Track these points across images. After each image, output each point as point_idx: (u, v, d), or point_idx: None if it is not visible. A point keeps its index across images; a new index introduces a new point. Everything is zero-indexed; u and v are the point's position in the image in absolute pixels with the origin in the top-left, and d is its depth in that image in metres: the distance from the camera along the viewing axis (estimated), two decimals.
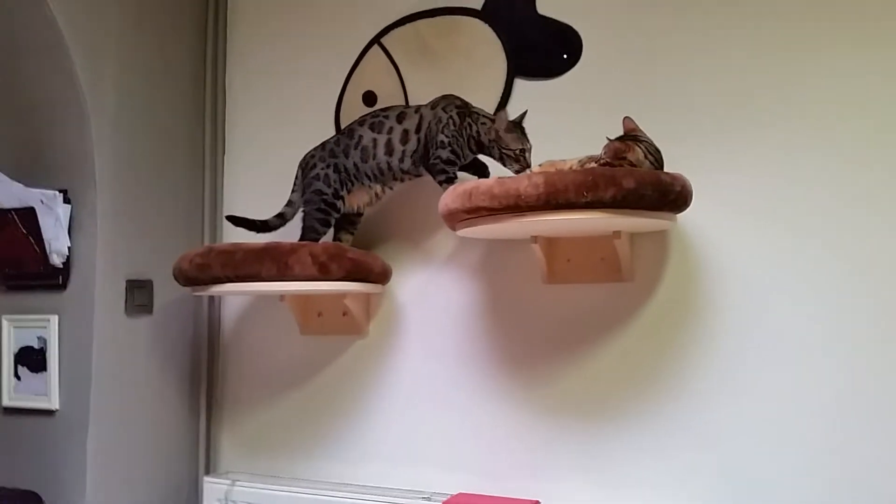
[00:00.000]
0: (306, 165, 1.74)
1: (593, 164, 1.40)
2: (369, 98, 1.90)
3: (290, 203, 1.77)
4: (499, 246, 1.72)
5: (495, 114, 1.60)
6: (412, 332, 1.81)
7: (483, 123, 1.59)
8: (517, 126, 1.56)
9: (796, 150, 1.48)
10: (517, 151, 1.54)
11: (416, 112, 1.66)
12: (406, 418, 1.79)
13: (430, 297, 1.80)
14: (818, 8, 1.49)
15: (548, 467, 1.64)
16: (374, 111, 1.72)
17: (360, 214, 1.78)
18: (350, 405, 1.86)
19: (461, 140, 1.59)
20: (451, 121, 1.60)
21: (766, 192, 1.50)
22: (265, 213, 1.78)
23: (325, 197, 1.69)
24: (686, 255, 1.56)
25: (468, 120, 1.59)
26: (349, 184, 1.70)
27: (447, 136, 1.59)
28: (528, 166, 1.54)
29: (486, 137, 1.57)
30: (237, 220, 1.75)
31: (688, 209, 1.42)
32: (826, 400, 1.43)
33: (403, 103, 1.83)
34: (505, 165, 1.57)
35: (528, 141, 1.56)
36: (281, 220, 1.76)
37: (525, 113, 1.58)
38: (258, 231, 1.75)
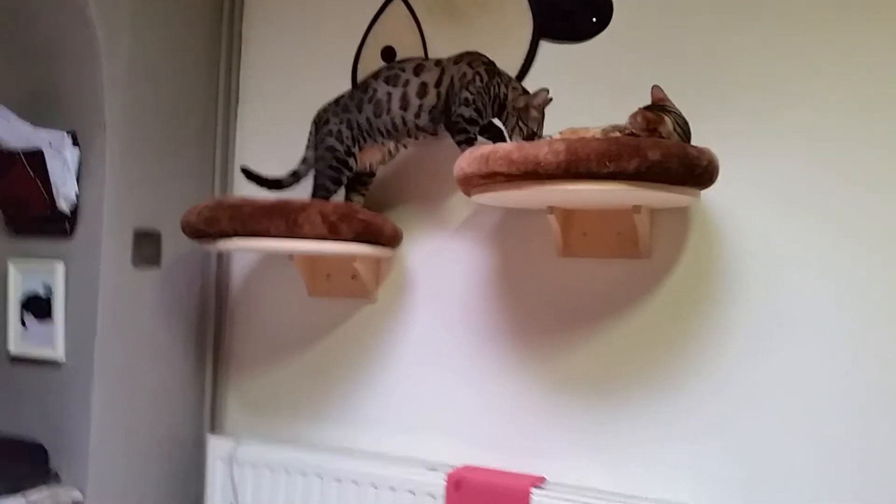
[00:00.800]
0: (319, 121, 1.69)
1: (617, 134, 1.34)
2: (389, 54, 1.84)
3: (304, 160, 1.72)
4: (514, 215, 1.68)
5: (517, 81, 1.55)
6: (422, 299, 1.78)
7: (514, 88, 1.53)
8: (543, 108, 1.51)
9: (828, 134, 1.43)
10: (530, 131, 1.48)
11: (436, 65, 1.59)
12: (413, 387, 1.77)
13: (442, 263, 1.76)
14: None
15: (554, 443, 1.61)
16: (391, 64, 1.66)
17: (372, 175, 1.73)
18: (356, 370, 1.84)
19: (486, 98, 1.53)
20: (477, 76, 1.53)
21: (794, 174, 1.45)
22: (278, 168, 1.74)
23: (337, 154, 1.64)
24: (706, 234, 1.51)
25: (497, 79, 1.53)
26: (361, 140, 1.65)
27: (472, 93, 1.53)
28: None
29: (511, 103, 1.51)
30: (250, 175, 1.71)
31: (712, 187, 1.37)
32: (843, 386, 1.39)
33: None
34: (510, 137, 1.52)
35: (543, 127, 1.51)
36: (295, 178, 1.72)
37: (551, 99, 1.52)
38: (269, 188, 1.71)
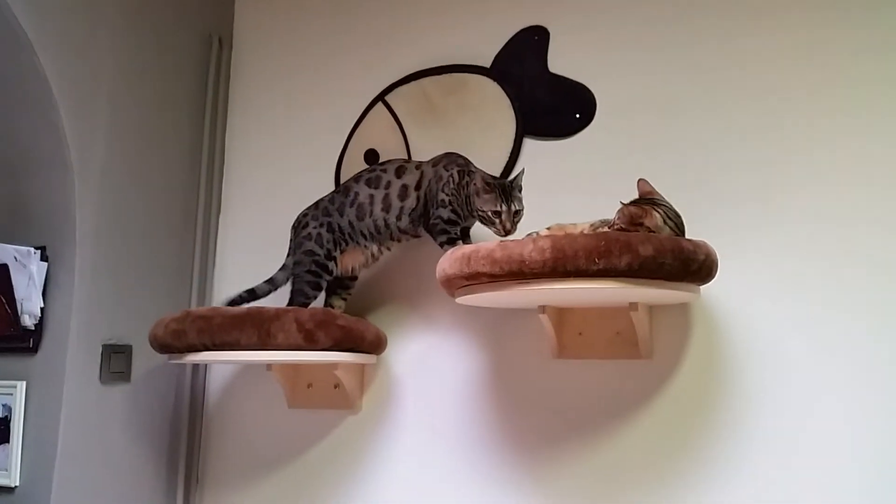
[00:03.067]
0: (298, 225, 1.65)
1: (606, 229, 1.28)
2: (371, 156, 1.81)
3: (283, 267, 1.67)
4: (504, 315, 1.60)
5: (492, 177, 1.50)
6: (408, 409, 1.68)
7: (475, 185, 1.46)
8: (497, 186, 1.43)
9: (827, 217, 1.38)
10: (490, 213, 1.41)
11: (416, 168, 1.58)
12: None
13: (429, 369, 1.67)
14: (846, 72, 1.41)
15: None
16: (372, 166, 1.64)
17: (354, 278, 1.66)
18: (340, 488, 1.70)
19: (460, 199, 1.49)
20: (451, 179, 1.51)
21: (797, 262, 1.39)
22: (261, 276, 1.67)
23: (316, 258, 1.58)
24: (710, 330, 1.44)
25: (467, 179, 1.49)
26: (343, 243, 1.61)
27: (447, 195, 1.49)
28: (507, 230, 1.41)
29: (472, 199, 1.46)
30: (227, 303, 1.63)
31: (713, 280, 1.30)
32: (862, 486, 1.28)
33: None
34: (488, 228, 1.45)
35: (512, 202, 1.41)
36: (271, 285, 1.65)
37: (522, 172, 1.47)
38: (247, 301, 1.63)
